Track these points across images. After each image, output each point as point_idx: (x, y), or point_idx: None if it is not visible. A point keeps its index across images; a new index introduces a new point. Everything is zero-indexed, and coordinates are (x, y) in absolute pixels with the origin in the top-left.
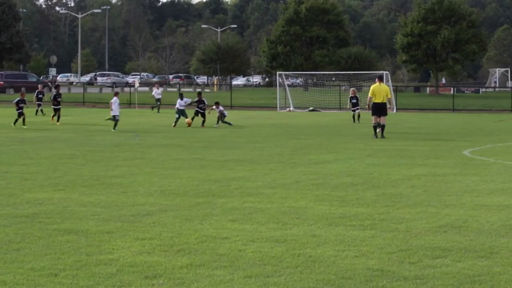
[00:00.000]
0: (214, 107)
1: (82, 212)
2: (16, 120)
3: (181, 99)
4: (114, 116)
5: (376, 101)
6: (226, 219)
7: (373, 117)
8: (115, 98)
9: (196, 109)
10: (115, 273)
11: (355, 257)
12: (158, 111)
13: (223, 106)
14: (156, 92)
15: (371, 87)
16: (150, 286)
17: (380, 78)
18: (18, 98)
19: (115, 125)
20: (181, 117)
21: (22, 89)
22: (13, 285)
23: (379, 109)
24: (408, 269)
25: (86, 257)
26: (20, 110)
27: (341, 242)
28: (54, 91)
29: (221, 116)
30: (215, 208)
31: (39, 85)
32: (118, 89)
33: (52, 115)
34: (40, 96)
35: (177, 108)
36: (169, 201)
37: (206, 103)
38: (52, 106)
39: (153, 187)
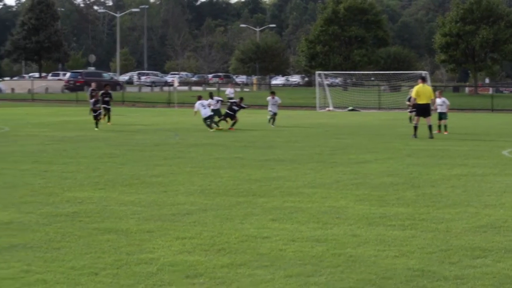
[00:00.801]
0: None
1: (122, 211)
2: (96, 123)
3: (212, 98)
4: (205, 118)
5: (421, 102)
6: (266, 219)
7: (416, 118)
8: (199, 101)
9: (227, 111)
10: (155, 272)
11: (396, 257)
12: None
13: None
14: (230, 91)
15: (415, 88)
16: (191, 285)
17: (423, 79)
18: (94, 99)
19: (211, 124)
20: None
21: (92, 84)
22: (53, 284)
23: (424, 110)
24: (448, 269)
25: (126, 256)
26: (97, 113)
27: (382, 242)
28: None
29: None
30: (256, 207)
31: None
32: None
33: (103, 114)
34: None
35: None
36: (210, 200)
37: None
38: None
39: (194, 186)
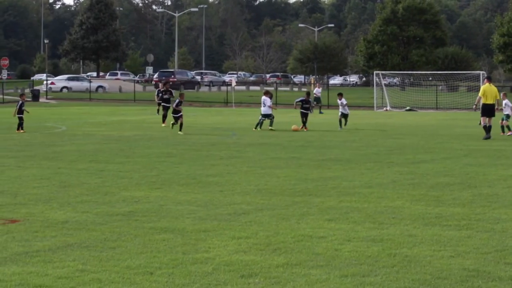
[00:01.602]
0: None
1: (178, 211)
2: (181, 126)
3: (270, 98)
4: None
5: (487, 102)
6: (322, 218)
7: (482, 118)
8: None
9: (301, 110)
10: (211, 272)
11: (451, 257)
12: (320, 111)
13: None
14: (317, 91)
15: (482, 88)
16: (246, 285)
17: (489, 79)
18: (178, 100)
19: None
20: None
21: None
22: (108, 283)
23: (490, 111)
24: (504, 269)
25: (182, 255)
26: (178, 114)
27: (437, 242)
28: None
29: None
30: (312, 207)
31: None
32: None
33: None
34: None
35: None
36: (266, 200)
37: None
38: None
39: (250, 186)
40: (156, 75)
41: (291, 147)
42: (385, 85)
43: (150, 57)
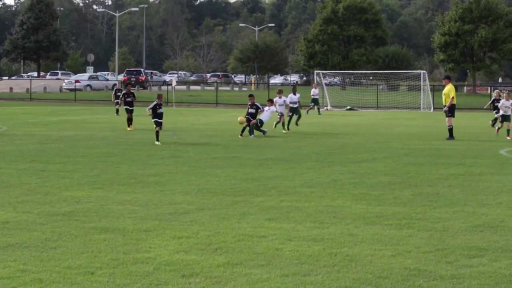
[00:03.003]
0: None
1: (119, 211)
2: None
3: (294, 94)
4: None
5: (455, 102)
6: (263, 218)
7: (451, 119)
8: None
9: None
10: (151, 272)
11: (392, 256)
12: (319, 113)
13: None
14: (314, 92)
15: (452, 87)
16: (187, 284)
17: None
18: (155, 102)
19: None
20: (294, 115)
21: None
22: (49, 283)
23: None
24: (445, 268)
25: (123, 255)
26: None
27: (378, 241)
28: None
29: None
30: (253, 206)
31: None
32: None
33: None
34: (119, 94)
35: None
36: (207, 199)
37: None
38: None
39: (191, 186)
40: (124, 74)
41: (232, 147)
42: (326, 84)
43: (91, 57)
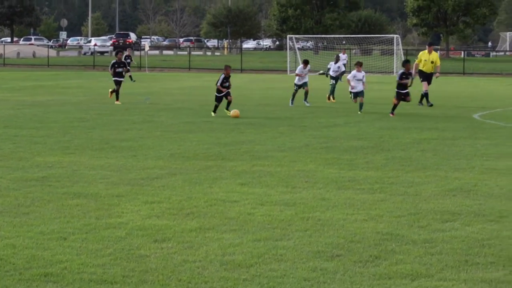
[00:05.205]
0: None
1: (91, 176)
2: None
3: (336, 62)
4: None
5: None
6: (235, 183)
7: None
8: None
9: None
10: (124, 237)
11: (364, 220)
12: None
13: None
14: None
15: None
16: (159, 249)
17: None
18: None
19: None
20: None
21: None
22: (22, 248)
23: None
24: (417, 232)
25: (95, 220)
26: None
27: (350, 206)
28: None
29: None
30: (225, 171)
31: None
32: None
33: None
34: (128, 61)
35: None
36: (179, 164)
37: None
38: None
39: (163, 151)
40: (113, 36)
41: (204, 111)
42: (299, 49)
43: (64, 22)
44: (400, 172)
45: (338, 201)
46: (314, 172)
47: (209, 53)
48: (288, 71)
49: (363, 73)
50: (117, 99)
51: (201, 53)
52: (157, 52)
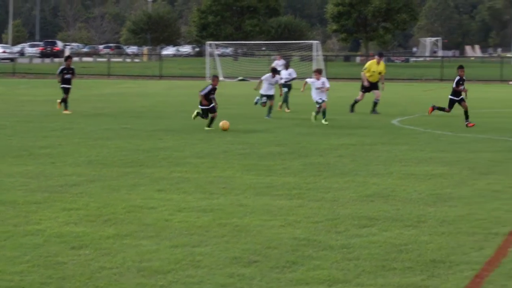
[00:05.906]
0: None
1: (9, 183)
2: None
3: (286, 68)
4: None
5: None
6: (153, 189)
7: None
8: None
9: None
10: (42, 244)
11: (282, 226)
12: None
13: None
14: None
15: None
16: (77, 256)
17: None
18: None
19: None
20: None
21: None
22: None
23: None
24: (335, 238)
25: (13, 227)
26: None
27: (268, 212)
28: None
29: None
30: (143, 178)
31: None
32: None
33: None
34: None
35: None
36: (97, 171)
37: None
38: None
39: (81, 158)
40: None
41: (123, 118)
42: (218, 55)
43: None
44: (318, 178)
45: (255, 207)
46: (231, 178)
47: (128, 60)
48: (207, 78)
49: (322, 79)
50: (66, 108)
51: (120, 59)
52: (76, 59)
